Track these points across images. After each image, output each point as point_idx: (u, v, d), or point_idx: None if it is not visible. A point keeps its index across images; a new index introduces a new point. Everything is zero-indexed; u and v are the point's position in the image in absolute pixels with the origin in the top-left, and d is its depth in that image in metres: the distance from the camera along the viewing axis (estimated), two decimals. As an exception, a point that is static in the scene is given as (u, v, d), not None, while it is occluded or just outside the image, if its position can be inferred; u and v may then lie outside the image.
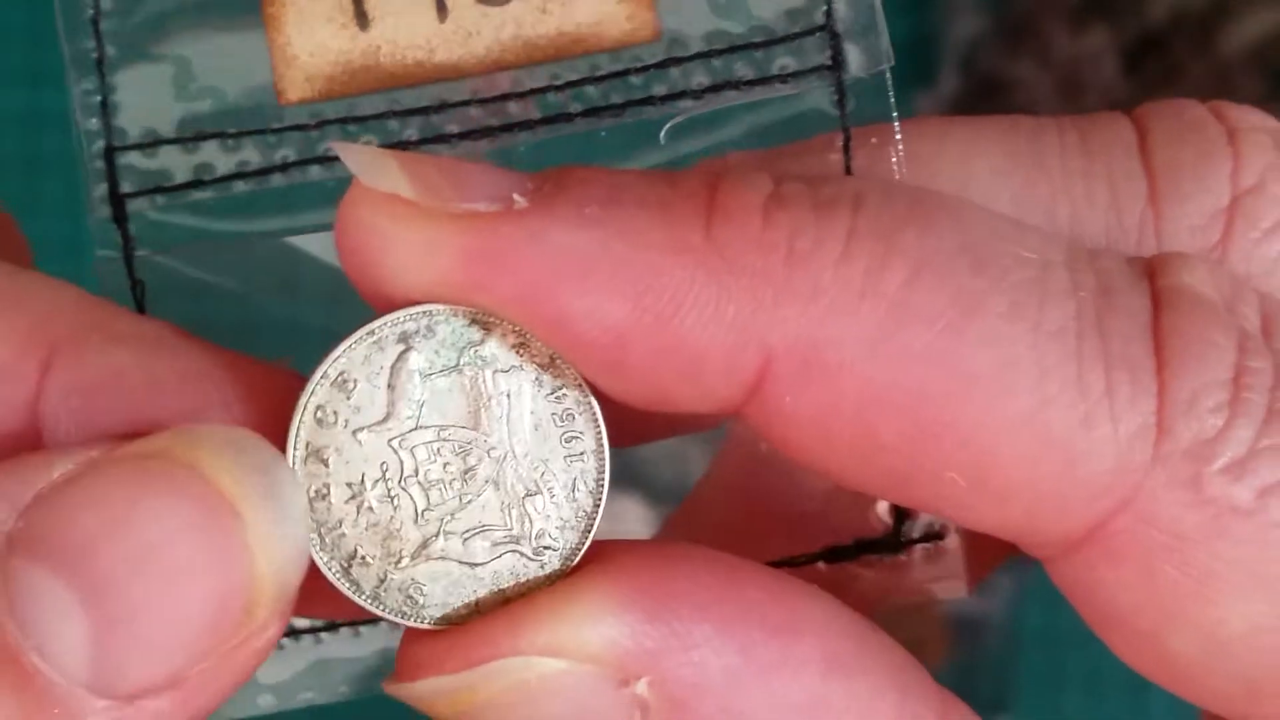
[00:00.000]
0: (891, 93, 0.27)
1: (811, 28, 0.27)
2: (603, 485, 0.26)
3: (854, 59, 0.27)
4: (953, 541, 0.29)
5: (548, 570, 0.26)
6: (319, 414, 0.25)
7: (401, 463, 0.25)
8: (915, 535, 0.29)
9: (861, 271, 0.24)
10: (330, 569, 0.26)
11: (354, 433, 0.25)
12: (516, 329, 0.25)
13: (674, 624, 0.25)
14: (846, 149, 0.27)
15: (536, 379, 0.26)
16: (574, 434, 0.26)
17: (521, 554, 0.26)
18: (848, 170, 0.27)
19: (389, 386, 0.26)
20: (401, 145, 0.27)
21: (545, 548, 0.26)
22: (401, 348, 0.26)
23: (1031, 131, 0.28)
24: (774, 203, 0.25)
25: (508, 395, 0.25)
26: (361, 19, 0.27)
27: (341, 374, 0.26)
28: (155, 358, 0.26)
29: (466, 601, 0.26)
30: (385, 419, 0.26)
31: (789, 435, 0.25)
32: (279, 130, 0.27)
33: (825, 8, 0.27)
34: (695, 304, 0.24)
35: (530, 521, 0.26)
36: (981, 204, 0.26)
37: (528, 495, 0.26)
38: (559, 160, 0.26)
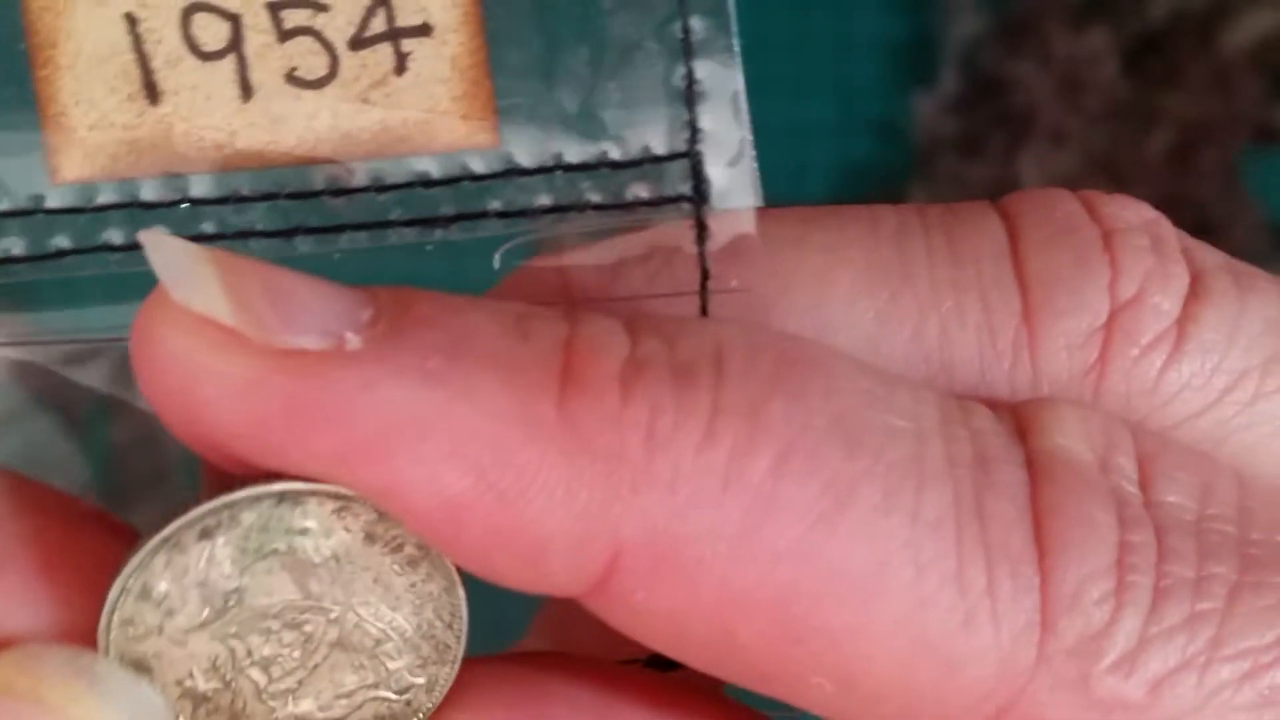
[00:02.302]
0: (756, 230, 0.22)
1: (673, 153, 0.22)
2: (460, 619, 0.22)
3: (718, 190, 0.22)
4: None
5: (415, 707, 0.23)
6: (129, 630, 0.22)
7: (232, 651, 0.22)
8: None
9: (725, 457, 0.21)
10: None
11: (172, 637, 0.22)
12: (334, 493, 0.21)
13: None
14: (704, 289, 0.23)
15: (366, 537, 0.22)
16: (419, 579, 0.22)
17: (385, 699, 0.23)
18: (704, 309, 0.23)
19: (200, 585, 0.22)
20: (196, 240, 0.22)
21: (409, 687, 0.23)
22: (205, 544, 0.22)
23: (895, 235, 0.24)
24: (632, 371, 0.21)
25: (335, 559, 0.22)
26: (151, 91, 0.22)
27: (143, 586, 0.22)
28: None
29: None
30: (203, 616, 0.22)
31: (638, 627, 0.22)
32: (52, 212, 0.22)
33: (689, 132, 0.22)
34: (544, 486, 0.21)
35: (386, 667, 0.22)
36: (844, 324, 0.24)
37: (378, 645, 0.22)
38: (377, 271, 0.22)
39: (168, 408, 0.21)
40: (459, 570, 0.22)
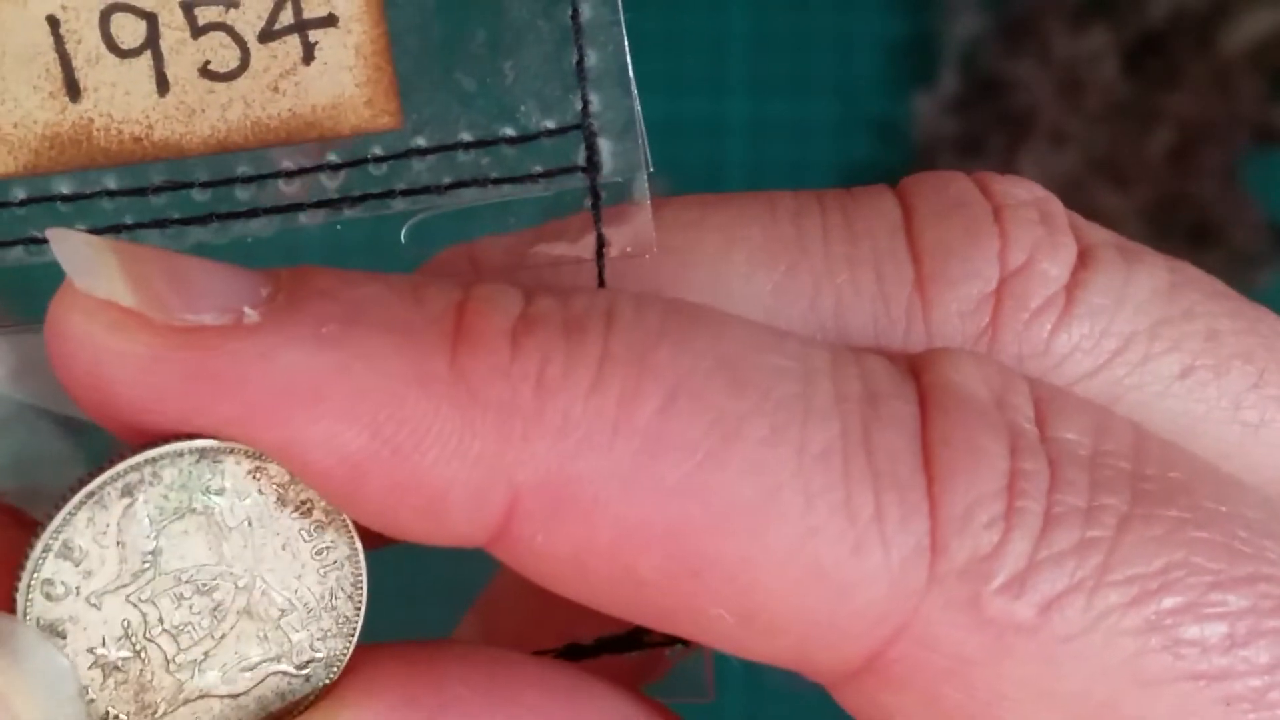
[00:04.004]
0: (648, 198, 0.23)
1: (566, 126, 0.22)
2: (361, 589, 0.23)
3: (609, 160, 0.23)
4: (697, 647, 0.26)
5: (314, 682, 0.23)
6: (47, 589, 0.22)
7: (145, 616, 0.22)
8: (659, 637, 0.25)
9: (614, 401, 0.21)
10: None
11: (88, 599, 0.22)
12: (250, 454, 0.22)
13: None
14: (600, 256, 0.23)
15: (278, 499, 0.22)
16: (325, 545, 0.23)
17: (285, 673, 0.23)
18: (601, 278, 0.24)
19: (118, 544, 0.22)
20: (115, 230, 0.23)
21: (309, 661, 0.23)
22: (127, 501, 0.22)
23: (793, 213, 0.25)
24: (523, 327, 0.22)
25: (248, 522, 0.22)
26: (72, 88, 0.22)
27: (65, 543, 0.22)
28: None
29: None
30: (119, 577, 0.22)
31: (542, 571, 0.22)
32: (-23, 207, 0.23)
33: (581, 105, 0.22)
34: (438, 438, 0.21)
35: (289, 639, 0.23)
36: (742, 297, 0.24)
37: (283, 615, 0.23)
38: (289, 252, 0.22)
39: (80, 388, 0.22)
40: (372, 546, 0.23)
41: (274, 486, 0.22)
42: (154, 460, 0.22)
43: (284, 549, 0.23)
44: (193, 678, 0.23)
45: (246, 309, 0.21)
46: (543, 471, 0.21)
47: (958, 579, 0.21)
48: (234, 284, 0.21)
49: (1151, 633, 0.21)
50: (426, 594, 0.27)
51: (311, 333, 0.21)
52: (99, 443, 0.23)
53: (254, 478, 0.22)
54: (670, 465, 0.21)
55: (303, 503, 0.22)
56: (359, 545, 0.23)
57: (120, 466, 0.22)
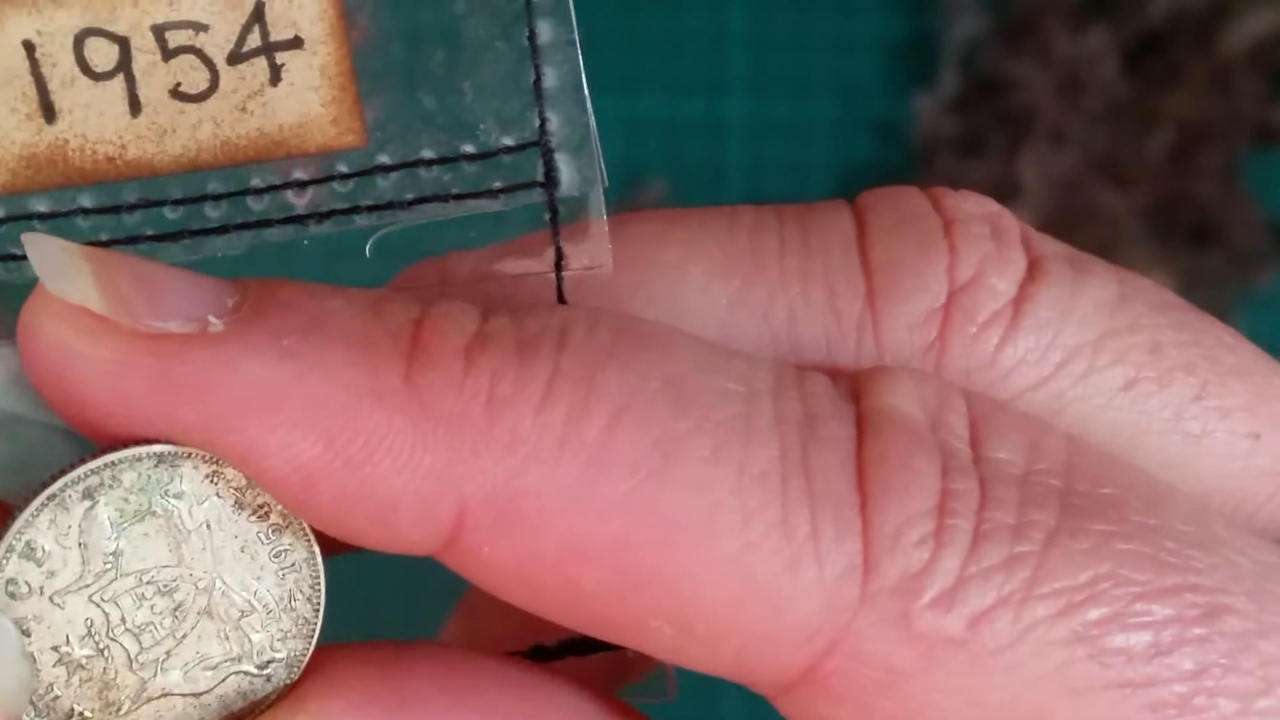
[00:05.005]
0: (604, 212, 0.23)
1: (524, 143, 0.23)
2: (319, 591, 0.24)
3: (567, 176, 0.23)
4: None
5: (275, 682, 0.24)
6: (10, 588, 0.23)
7: (107, 615, 0.23)
8: None
9: (562, 418, 0.22)
10: None
11: (51, 598, 0.23)
12: (208, 459, 0.23)
13: None
14: (559, 269, 0.24)
15: (236, 503, 0.23)
16: (283, 548, 0.23)
17: (246, 673, 0.24)
18: (559, 291, 0.24)
19: (81, 545, 0.23)
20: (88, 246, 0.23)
21: (270, 661, 0.24)
22: (88, 504, 0.23)
23: (750, 228, 0.25)
24: (477, 344, 0.22)
25: (207, 525, 0.23)
26: (48, 110, 0.23)
27: (28, 543, 0.23)
28: None
29: None
30: (81, 577, 0.23)
31: (489, 581, 0.23)
32: (-42, 227, 0.23)
33: (539, 123, 0.23)
34: (389, 450, 0.22)
35: (249, 639, 0.23)
36: (699, 309, 0.25)
37: (243, 616, 0.23)
38: (259, 268, 0.23)
39: (49, 389, 0.22)
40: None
41: (232, 490, 0.23)
42: (114, 464, 0.23)
43: (242, 551, 0.23)
44: (155, 676, 0.23)
45: (212, 318, 0.22)
46: (490, 485, 0.22)
47: (889, 595, 0.22)
48: (201, 293, 0.22)
49: (1078, 643, 0.22)
50: (418, 597, 0.28)
51: (272, 344, 0.22)
52: (93, 449, 0.24)
53: (212, 482, 0.23)
54: (614, 481, 0.22)
55: (260, 506, 0.23)
56: (316, 548, 0.23)
57: (80, 470, 0.23)
